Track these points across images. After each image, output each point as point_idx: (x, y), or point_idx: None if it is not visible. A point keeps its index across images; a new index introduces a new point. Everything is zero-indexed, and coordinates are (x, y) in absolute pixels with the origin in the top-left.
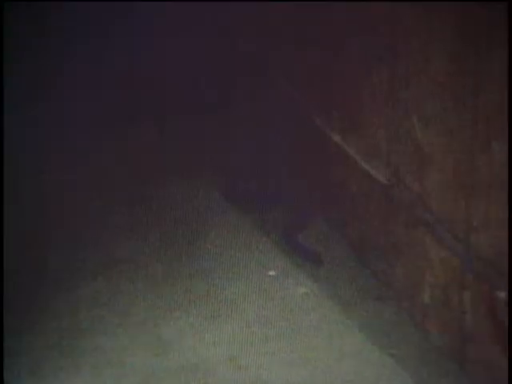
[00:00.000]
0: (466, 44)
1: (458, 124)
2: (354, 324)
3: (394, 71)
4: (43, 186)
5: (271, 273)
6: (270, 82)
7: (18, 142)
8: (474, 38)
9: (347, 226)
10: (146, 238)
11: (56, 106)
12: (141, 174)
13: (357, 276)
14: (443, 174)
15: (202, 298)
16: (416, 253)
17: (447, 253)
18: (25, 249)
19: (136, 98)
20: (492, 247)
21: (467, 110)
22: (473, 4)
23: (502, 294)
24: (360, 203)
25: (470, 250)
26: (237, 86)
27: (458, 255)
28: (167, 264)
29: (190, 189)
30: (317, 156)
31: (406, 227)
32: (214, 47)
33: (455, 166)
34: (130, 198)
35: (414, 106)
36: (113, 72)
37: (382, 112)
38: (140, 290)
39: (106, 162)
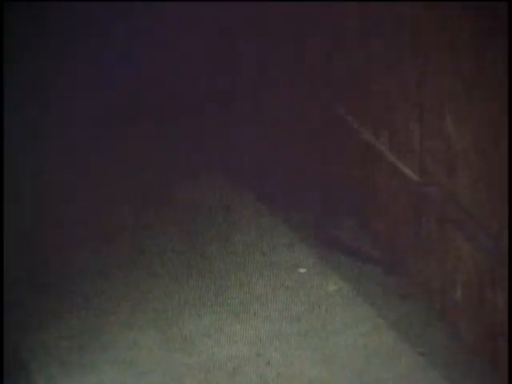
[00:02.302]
0: (493, 43)
1: (488, 122)
2: (383, 323)
3: (424, 71)
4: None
5: (302, 270)
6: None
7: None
8: (501, 37)
9: (379, 224)
10: (171, 235)
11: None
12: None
13: (388, 274)
14: (475, 172)
15: (230, 296)
16: (448, 250)
17: (479, 250)
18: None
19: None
20: None
21: (496, 108)
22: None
23: None
24: (393, 201)
25: (502, 246)
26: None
27: (489, 252)
28: (194, 262)
29: (217, 188)
30: (349, 155)
31: (437, 224)
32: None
33: (487, 163)
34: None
35: (446, 105)
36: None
37: (414, 110)
38: (164, 286)
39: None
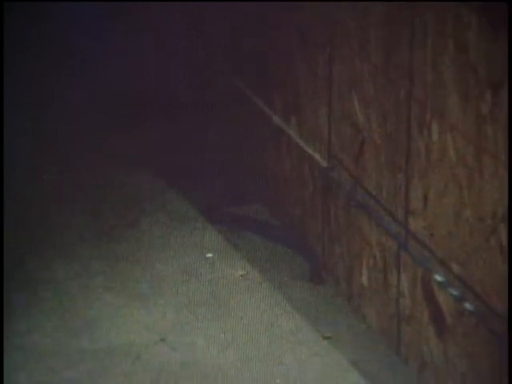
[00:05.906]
0: (401, 29)
1: (394, 107)
2: (290, 308)
3: (334, 54)
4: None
5: (209, 255)
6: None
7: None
8: (408, 24)
9: (288, 209)
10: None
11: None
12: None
13: (295, 259)
14: (380, 157)
15: (134, 280)
16: (354, 235)
17: (385, 235)
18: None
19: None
20: (429, 230)
21: (403, 92)
22: None
23: (438, 278)
24: (302, 186)
25: (408, 232)
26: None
27: (395, 238)
28: (98, 245)
29: (125, 174)
30: (259, 140)
31: (345, 210)
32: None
33: (394, 149)
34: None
35: (354, 89)
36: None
37: (323, 94)
38: (72, 270)
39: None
